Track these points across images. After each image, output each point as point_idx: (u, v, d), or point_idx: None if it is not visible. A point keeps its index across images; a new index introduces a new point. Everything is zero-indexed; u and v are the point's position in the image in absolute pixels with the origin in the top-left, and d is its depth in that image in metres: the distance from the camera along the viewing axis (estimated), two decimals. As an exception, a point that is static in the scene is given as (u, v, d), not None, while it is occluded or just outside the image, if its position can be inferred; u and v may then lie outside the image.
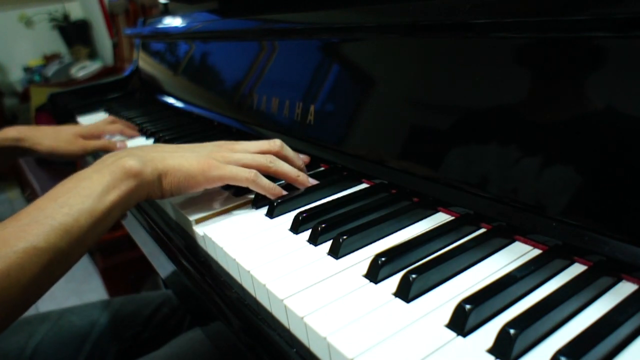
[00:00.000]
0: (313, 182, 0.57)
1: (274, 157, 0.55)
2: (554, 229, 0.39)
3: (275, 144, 0.58)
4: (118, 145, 0.92)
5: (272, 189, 0.54)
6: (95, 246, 1.51)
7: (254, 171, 0.53)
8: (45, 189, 2.00)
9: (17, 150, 0.89)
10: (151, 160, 0.50)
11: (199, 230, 0.52)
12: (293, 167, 0.57)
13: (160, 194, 0.52)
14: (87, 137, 0.93)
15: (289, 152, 0.58)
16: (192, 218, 0.54)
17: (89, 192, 0.45)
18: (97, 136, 0.96)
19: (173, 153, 0.53)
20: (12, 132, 0.88)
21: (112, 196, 0.46)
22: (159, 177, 0.51)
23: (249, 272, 0.43)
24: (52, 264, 0.41)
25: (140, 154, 0.51)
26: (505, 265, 0.40)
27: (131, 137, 1.00)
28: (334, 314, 0.36)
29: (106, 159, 0.50)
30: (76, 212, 0.43)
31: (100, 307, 0.82)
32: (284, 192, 0.55)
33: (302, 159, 0.62)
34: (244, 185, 0.53)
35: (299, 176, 0.56)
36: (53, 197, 0.44)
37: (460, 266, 0.40)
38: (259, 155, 0.55)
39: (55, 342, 0.75)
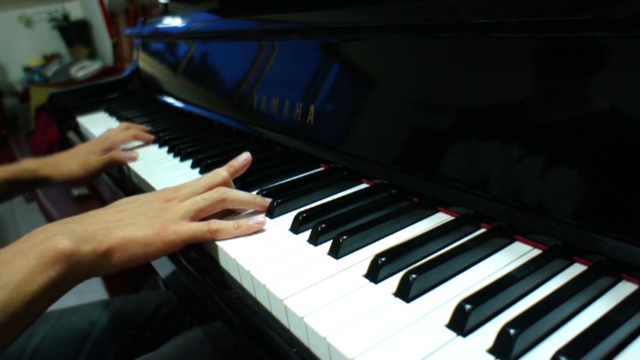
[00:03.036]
0: (268, 200, 0.55)
1: (225, 189, 0.52)
2: (554, 229, 0.39)
3: (220, 175, 0.54)
4: (126, 155, 0.82)
5: (236, 232, 0.49)
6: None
7: (216, 223, 0.49)
8: (46, 189, 1.98)
9: (33, 182, 0.83)
10: (92, 236, 0.43)
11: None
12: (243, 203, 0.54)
13: (106, 270, 0.45)
14: (100, 152, 0.86)
15: (234, 194, 0.53)
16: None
17: (5, 281, 0.38)
18: (111, 148, 0.87)
19: (118, 222, 0.47)
20: (28, 164, 0.82)
21: (36, 285, 0.39)
22: (105, 254, 0.43)
23: (248, 272, 0.43)
24: None
25: (76, 229, 0.44)
26: (505, 265, 0.40)
27: (147, 142, 0.92)
28: (334, 314, 0.36)
29: (36, 234, 0.43)
30: None
31: (101, 307, 0.82)
32: (248, 230, 0.50)
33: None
34: (207, 239, 0.49)
35: (256, 199, 0.53)
36: None
37: (460, 266, 0.40)
38: (209, 192, 0.51)
39: (55, 342, 0.75)
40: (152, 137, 0.92)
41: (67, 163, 0.83)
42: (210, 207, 0.51)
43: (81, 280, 0.43)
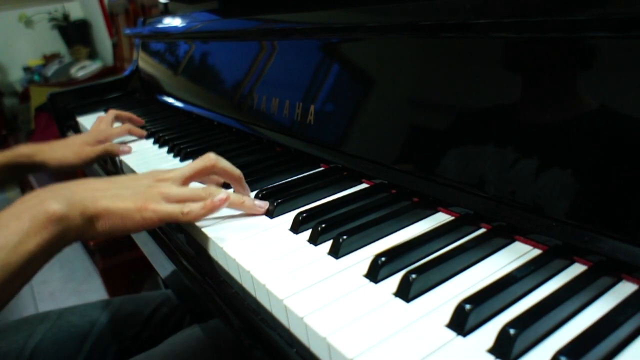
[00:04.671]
0: (260, 204, 0.55)
1: (213, 188, 0.53)
2: (553, 229, 0.39)
3: (210, 158, 0.55)
4: (121, 148, 0.88)
5: (202, 212, 0.51)
6: (95, 246, 1.50)
7: (187, 206, 0.50)
8: (43, 184, 1.98)
9: (29, 166, 0.85)
10: (80, 202, 0.46)
11: (199, 230, 0.52)
12: (232, 176, 0.57)
13: (92, 236, 0.47)
14: (94, 144, 0.89)
15: (224, 164, 0.56)
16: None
17: (2, 242, 0.40)
18: (106, 141, 0.91)
19: (105, 192, 0.49)
20: (24, 149, 0.85)
21: (31, 245, 0.41)
22: (90, 220, 0.46)
23: (249, 272, 0.43)
24: None
25: (66, 194, 0.46)
26: (505, 265, 0.40)
27: (140, 137, 0.97)
28: (334, 313, 0.36)
29: (27, 199, 0.45)
30: None
31: (100, 307, 0.82)
32: (213, 209, 0.51)
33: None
34: (182, 222, 0.51)
35: (243, 202, 0.54)
36: None
37: (460, 266, 0.40)
38: (197, 189, 0.53)
39: (55, 342, 0.75)
40: (144, 132, 0.97)
41: (61, 150, 0.86)
42: (191, 198, 0.52)
43: (72, 241, 0.46)
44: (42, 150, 0.85)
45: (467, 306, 0.33)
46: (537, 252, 0.41)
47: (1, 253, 0.40)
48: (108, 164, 0.92)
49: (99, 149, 0.88)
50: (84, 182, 0.50)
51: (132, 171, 0.78)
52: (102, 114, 1.29)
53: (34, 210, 0.43)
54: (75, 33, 3.64)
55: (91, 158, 0.87)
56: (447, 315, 0.34)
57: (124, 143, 0.93)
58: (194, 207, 0.51)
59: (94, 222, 0.47)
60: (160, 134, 0.93)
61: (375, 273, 0.39)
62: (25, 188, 2.90)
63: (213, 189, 0.53)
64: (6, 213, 0.44)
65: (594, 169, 0.37)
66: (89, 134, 0.93)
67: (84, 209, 0.46)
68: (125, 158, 0.85)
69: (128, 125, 0.96)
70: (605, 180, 0.37)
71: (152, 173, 0.55)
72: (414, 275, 0.37)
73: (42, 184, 2.04)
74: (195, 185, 0.55)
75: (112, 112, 0.99)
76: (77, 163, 0.86)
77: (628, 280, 0.36)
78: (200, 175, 0.56)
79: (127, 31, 1.49)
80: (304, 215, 0.50)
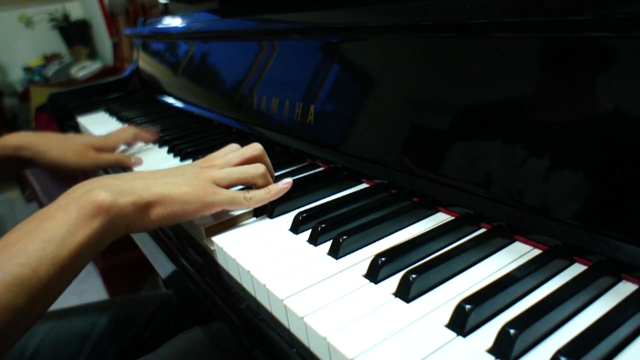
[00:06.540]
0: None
1: (255, 169, 0.53)
2: (554, 229, 0.39)
3: (258, 148, 0.55)
4: (132, 160, 0.81)
5: (268, 197, 0.52)
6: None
7: (250, 192, 0.51)
8: (46, 189, 1.99)
9: (19, 161, 0.78)
10: (130, 190, 0.44)
11: (200, 230, 0.52)
12: (270, 173, 0.56)
13: (143, 226, 0.45)
14: (99, 149, 0.82)
15: (267, 159, 0.57)
16: (192, 218, 0.54)
17: (51, 235, 0.39)
18: (112, 148, 0.85)
19: (157, 180, 0.47)
20: (13, 140, 0.76)
21: (80, 237, 0.40)
22: (144, 208, 0.45)
23: (248, 272, 0.43)
24: (5, 325, 0.36)
25: (116, 183, 0.45)
26: (505, 265, 0.40)
27: (149, 142, 0.91)
28: (334, 314, 0.36)
29: (74, 190, 0.43)
30: (35, 261, 0.37)
31: (101, 307, 0.82)
32: (279, 193, 0.53)
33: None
34: (243, 208, 0.51)
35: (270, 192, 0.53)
36: (8, 244, 0.38)
37: (460, 266, 0.40)
38: (248, 167, 0.53)
39: (55, 342, 0.75)
40: (151, 137, 0.91)
41: (59, 147, 0.79)
42: (245, 181, 0.52)
43: (120, 234, 0.44)
44: (35, 143, 0.77)
45: (467, 306, 0.33)
46: (537, 252, 0.41)
47: (50, 246, 0.38)
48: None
49: (110, 158, 0.81)
50: (130, 173, 0.50)
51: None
52: (102, 114, 1.29)
53: (80, 200, 0.41)
54: (75, 33, 3.64)
55: (96, 164, 0.81)
56: (447, 315, 0.34)
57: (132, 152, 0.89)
58: (257, 193, 0.51)
59: (149, 210, 0.45)
60: (161, 134, 0.93)
61: (375, 273, 0.40)
62: (25, 187, 2.90)
63: (254, 170, 0.52)
64: (53, 205, 0.42)
65: (594, 169, 0.37)
66: (95, 138, 0.86)
67: (137, 197, 0.44)
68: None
69: (133, 129, 0.89)
70: (605, 180, 0.37)
71: (194, 163, 0.55)
72: (414, 276, 0.37)
73: (42, 183, 2.02)
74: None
75: (133, 129, 0.90)
76: (77, 166, 0.79)
77: (628, 280, 0.36)
78: (245, 164, 0.54)
79: (127, 31, 1.49)
80: (304, 215, 0.50)
